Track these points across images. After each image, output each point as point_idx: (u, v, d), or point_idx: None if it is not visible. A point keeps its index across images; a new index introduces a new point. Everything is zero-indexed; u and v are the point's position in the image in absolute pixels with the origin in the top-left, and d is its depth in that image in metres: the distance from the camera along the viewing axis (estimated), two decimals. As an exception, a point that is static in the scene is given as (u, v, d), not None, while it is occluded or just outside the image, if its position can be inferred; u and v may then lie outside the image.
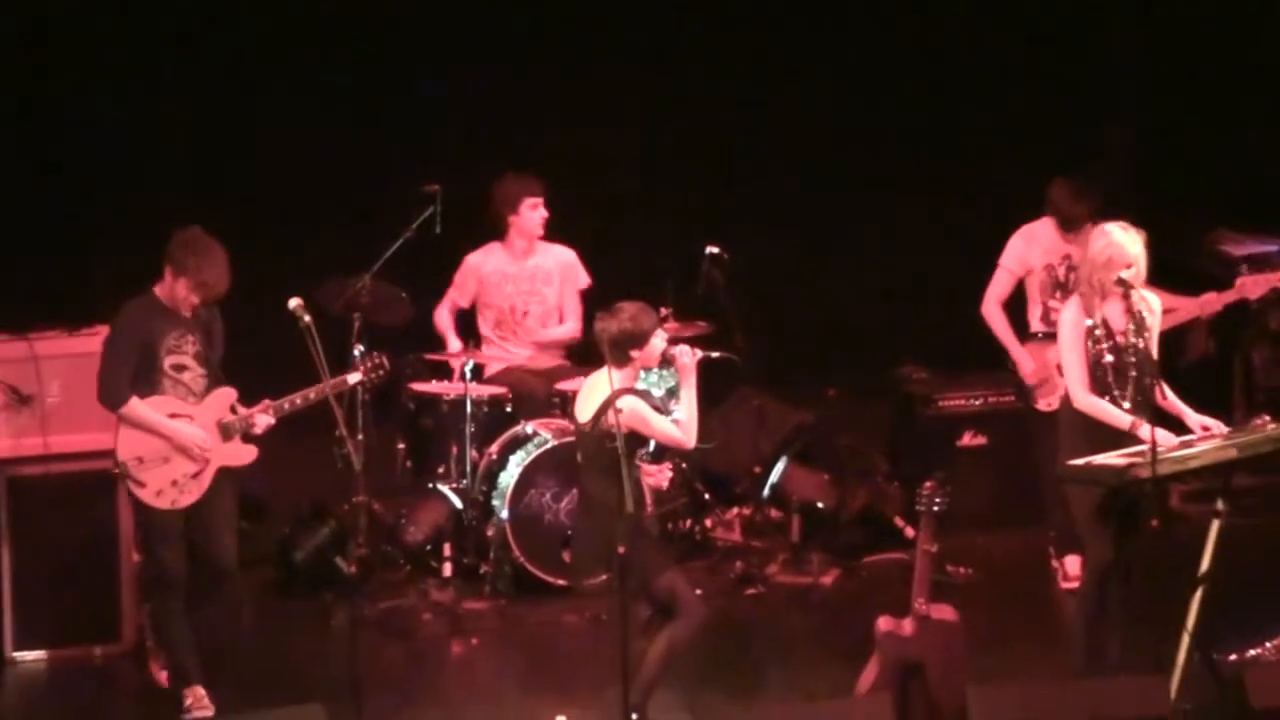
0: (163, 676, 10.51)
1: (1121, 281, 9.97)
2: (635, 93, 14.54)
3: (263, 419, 10.28)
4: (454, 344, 12.42)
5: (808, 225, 15.02)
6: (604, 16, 14.73)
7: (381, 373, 10.67)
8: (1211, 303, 12.02)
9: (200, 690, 10.27)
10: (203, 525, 10.26)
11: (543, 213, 12.28)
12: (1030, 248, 11.99)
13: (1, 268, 12.55)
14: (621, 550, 9.81)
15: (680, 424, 9.99)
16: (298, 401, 10.30)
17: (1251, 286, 12.06)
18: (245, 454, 10.33)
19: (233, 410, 10.29)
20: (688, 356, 9.96)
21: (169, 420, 10.15)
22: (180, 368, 10.22)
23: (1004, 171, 14.79)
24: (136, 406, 10.10)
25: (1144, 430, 9.83)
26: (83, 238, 13.40)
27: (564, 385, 12.00)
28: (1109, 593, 10.18)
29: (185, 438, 10.14)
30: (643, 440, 9.99)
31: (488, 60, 14.42)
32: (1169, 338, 11.58)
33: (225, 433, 10.21)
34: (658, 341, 9.89)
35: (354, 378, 10.36)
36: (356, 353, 10.79)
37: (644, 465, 10.23)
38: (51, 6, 13.99)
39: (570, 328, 12.30)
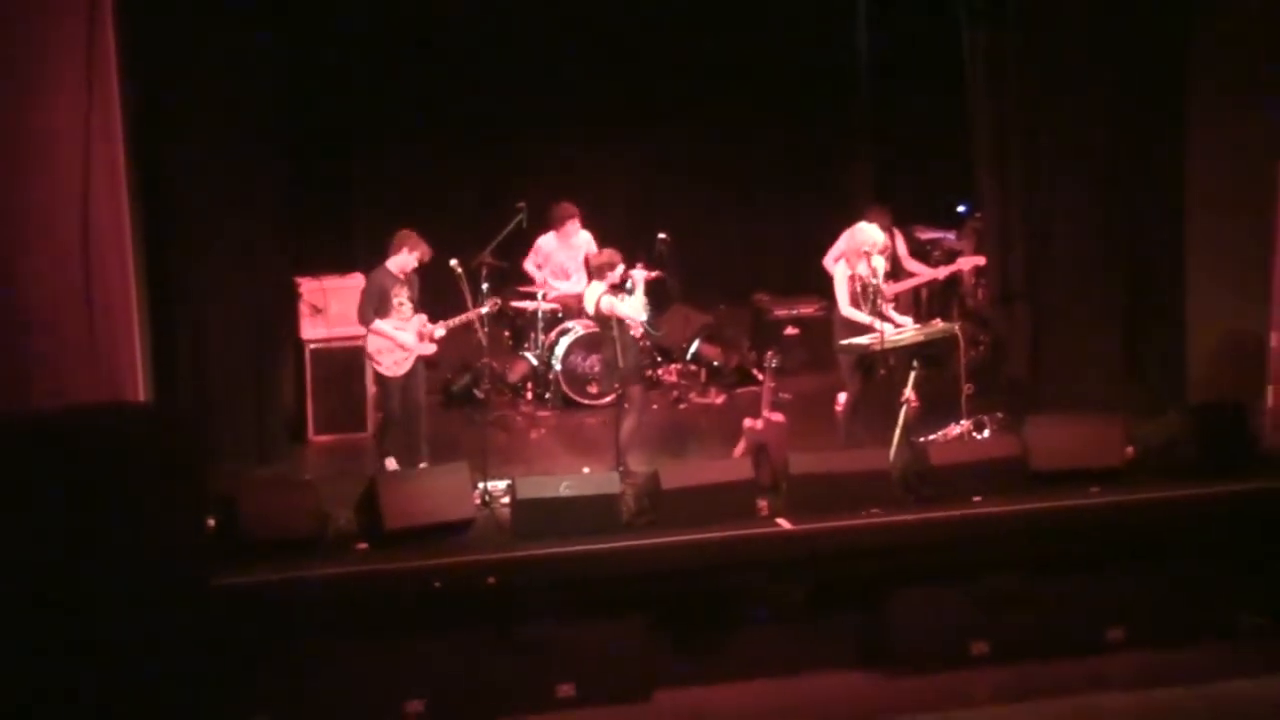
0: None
1: (867, 252, 10.14)
2: (623, 146, 13.56)
3: (439, 331, 10.19)
4: (538, 278, 12.20)
5: (709, 212, 14.06)
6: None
7: (498, 305, 10.56)
8: (941, 272, 11.85)
9: (393, 460, 10.25)
10: (412, 383, 10.19)
11: (577, 225, 12.02)
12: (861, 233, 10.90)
13: (306, 233, 11.71)
14: (618, 388, 10.08)
15: (634, 308, 10.14)
16: (454, 323, 10.22)
17: (964, 264, 11.88)
18: (430, 349, 10.21)
19: (424, 326, 10.19)
20: (640, 272, 10.26)
21: (394, 330, 10.08)
22: (400, 303, 10.11)
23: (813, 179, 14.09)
24: (376, 324, 10.05)
25: (878, 326, 9.92)
26: (346, 213, 12.81)
27: (587, 305, 11.78)
28: (859, 408, 10.22)
29: (401, 340, 10.08)
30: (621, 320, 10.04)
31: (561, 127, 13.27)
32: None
33: (420, 338, 10.14)
34: (620, 267, 10.12)
35: (484, 310, 10.21)
36: (485, 288, 10.50)
37: (637, 328, 10.29)
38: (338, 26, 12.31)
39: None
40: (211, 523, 8.83)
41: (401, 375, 10.14)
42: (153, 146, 9.55)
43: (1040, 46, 11.33)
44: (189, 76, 9.94)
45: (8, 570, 7.97)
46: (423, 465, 10.15)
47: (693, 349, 12.67)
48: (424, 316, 10.20)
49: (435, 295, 10.51)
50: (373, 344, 10.17)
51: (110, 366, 8.88)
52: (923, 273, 11.86)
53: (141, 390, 9.12)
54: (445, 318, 10.26)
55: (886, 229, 11.00)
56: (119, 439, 8.37)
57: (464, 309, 10.24)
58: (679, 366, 12.61)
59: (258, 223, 10.58)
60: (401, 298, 10.16)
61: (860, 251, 10.18)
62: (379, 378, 10.29)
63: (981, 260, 11.82)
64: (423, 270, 10.31)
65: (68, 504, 8.07)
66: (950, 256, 12.30)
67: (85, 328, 8.82)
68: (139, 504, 8.21)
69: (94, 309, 8.83)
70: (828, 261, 11.06)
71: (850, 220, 10.60)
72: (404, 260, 10.13)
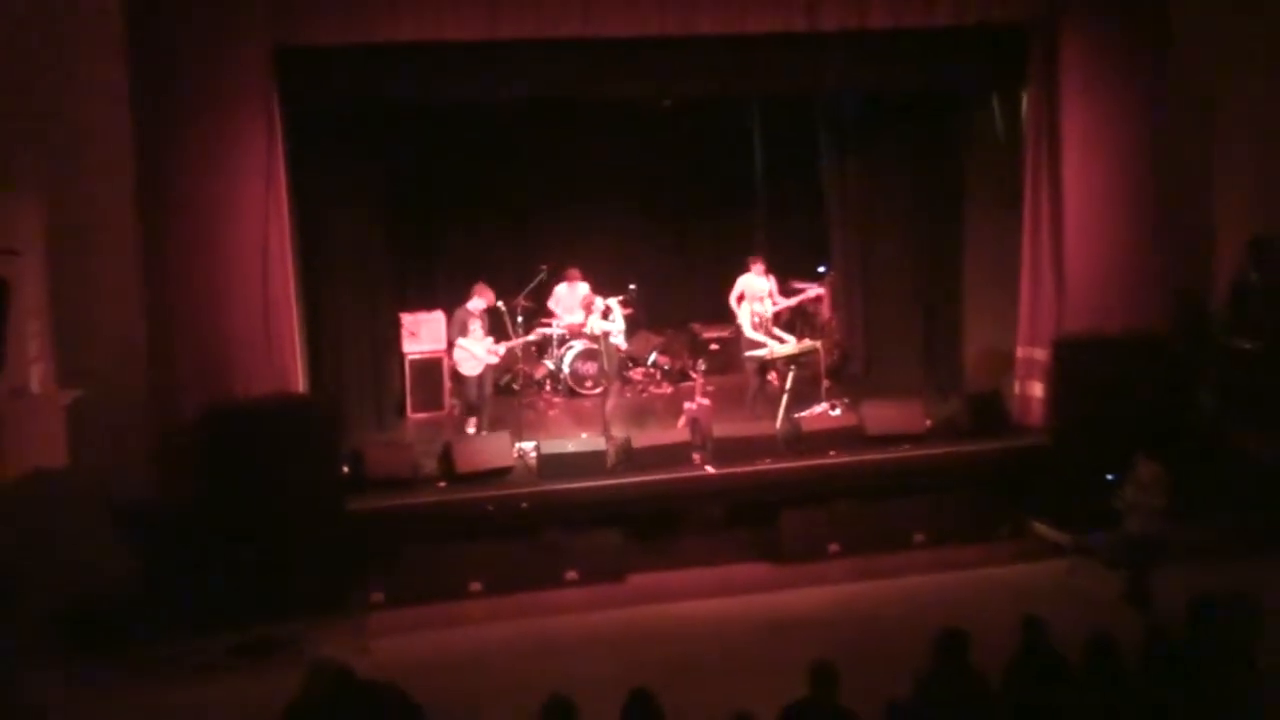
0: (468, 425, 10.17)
1: (760, 295, 10.19)
2: (608, 226, 12.50)
3: (500, 349, 10.15)
4: (557, 312, 11.83)
5: (664, 269, 13.01)
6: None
7: (529, 338, 10.53)
8: (793, 301, 11.41)
9: (474, 420, 10.18)
10: (481, 381, 10.11)
11: (578, 277, 11.53)
12: (752, 282, 10.65)
13: (405, 282, 11.23)
14: (604, 383, 10.06)
15: (617, 327, 10.19)
16: (509, 344, 10.23)
17: (810, 292, 11.68)
18: (494, 360, 10.08)
19: (491, 345, 10.10)
20: (616, 304, 10.23)
21: (470, 344, 10.01)
22: (474, 330, 10.03)
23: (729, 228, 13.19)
24: (459, 342, 10.02)
25: (769, 343, 10.01)
26: (432, 270, 11.97)
27: (585, 329, 11.40)
28: (760, 394, 10.19)
29: (474, 352, 10.02)
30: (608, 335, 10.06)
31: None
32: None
33: (487, 352, 10.07)
34: (600, 301, 10.13)
35: (527, 338, 10.33)
36: (520, 320, 10.52)
37: (617, 346, 10.22)
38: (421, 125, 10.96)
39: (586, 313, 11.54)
40: (345, 469, 8.90)
41: (475, 376, 10.14)
42: (308, 221, 9.49)
43: (869, 166, 11.78)
44: (330, 178, 9.89)
45: (225, 500, 8.17)
46: (484, 431, 10.16)
47: (651, 358, 12.52)
48: (491, 339, 10.18)
49: (494, 328, 10.50)
50: (456, 354, 10.16)
51: (280, 369, 8.84)
52: (783, 303, 11.40)
53: (301, 384, 9.12)
54: (502, 342, 10.32)
55: (764, 273, 10.96)
56: (287, 416, 8.49)
57: (509, 338, 10.31)
58: (643, 370, 12.45)
59: (372, 275, 10.60)
60: (475, 326, 10.10)
61: (756, 295, 10.22)
62: (461, 377, 10.19)
63: (822, 290, 11.73)
64: (492, 313, 10.29)
65: (258, 459, 8.25)
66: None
67: (264, 342, 8.78)
68: (299, 458, 8.35)
69: (269, 329, 8.79)
70: (732, 300, 10.91)
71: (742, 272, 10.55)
72: (477, 302, 10.11)
